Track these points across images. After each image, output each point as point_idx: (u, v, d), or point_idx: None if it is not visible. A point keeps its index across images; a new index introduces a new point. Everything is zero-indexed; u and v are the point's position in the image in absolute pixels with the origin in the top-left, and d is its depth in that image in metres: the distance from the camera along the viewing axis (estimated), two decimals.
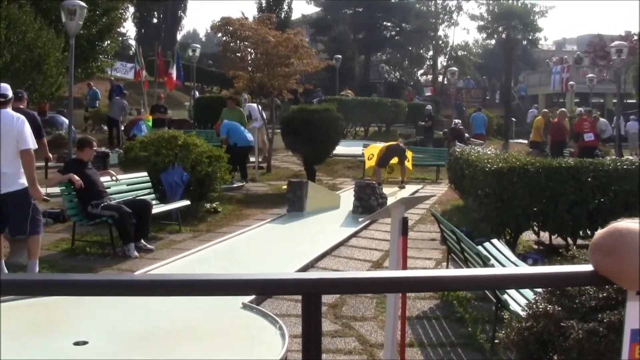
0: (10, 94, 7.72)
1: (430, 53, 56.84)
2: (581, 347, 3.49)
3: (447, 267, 8.61)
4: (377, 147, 19.15)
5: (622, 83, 27.04)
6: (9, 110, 7.47)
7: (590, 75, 34.51)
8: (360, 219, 11.43)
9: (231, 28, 18.53)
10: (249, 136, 17.06)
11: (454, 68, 38.89)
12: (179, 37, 66.14)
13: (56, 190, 10.12)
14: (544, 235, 10.11)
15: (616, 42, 22.03)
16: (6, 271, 7.67)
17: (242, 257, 9.18)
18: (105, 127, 25.76)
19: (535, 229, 9.83)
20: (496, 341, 5.52)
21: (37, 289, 1.39)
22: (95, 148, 9.78)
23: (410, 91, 46.68)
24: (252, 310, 5.21)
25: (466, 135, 25.06)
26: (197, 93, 30.52)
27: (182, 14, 62.11)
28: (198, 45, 29.49)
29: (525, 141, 29.33)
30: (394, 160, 17.62)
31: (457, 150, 13.58)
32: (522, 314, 4.32)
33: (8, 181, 7.23)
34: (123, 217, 9.07)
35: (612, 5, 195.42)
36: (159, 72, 29.29)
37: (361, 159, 19.75)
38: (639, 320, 1.33)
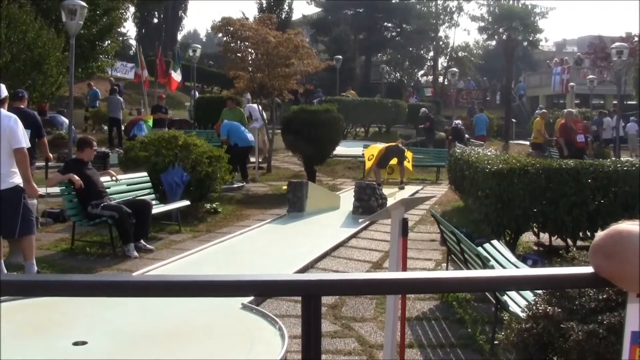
0: (3, 94, 7.73)
1: (431, 54, 56.89)
2: (581, 348, 3.49)
3: (447, 268, 8.60)
4: (377, 148, 19.14)
5: (623, 84, 27.03)
6: (1, 110, 7.47)
7: (590, 76, 34.49)
8: (360, 220, 11.43)
9: (232, 28, 18.55)
10: (250, 136, 17.06)
11: (455, 69, 38.88)
12: (179, 37, 66.23)
13: (56, 190, 10.13)
14: (544, 237, 10.10)
15: (617, 44, 22.04)
16: (5, 271, 7.66)
17: (242, 258, 9.18)
18: (106, 127, 25.79)
19: (535, 230, 9.83)
20: (496, 342, 5.52)
21: (37, 290, 1.39)
22: (95, 148, 9.78)
23: (410, 91, 46.68)
24: (252, 310, 5.20)
25: (466, 136, 25.07)
26: (197, 93, 30.52)
27: (182, 14, 62.07)
28: (198, 46, 29.47)
29: (526, 142, 29.33)
30: (394, 161, 17.62)
31: (457, 151, 13.58)
32: (522, 315, 4.31)
33: (0, 179, 7.23)
34: (123, 217, 9.07)
35: (613, 7, 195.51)
36: (159, 72, 29.27)
37: (361, 160, 19.76)
38: (639, 323, 1.32)
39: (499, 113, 37.09)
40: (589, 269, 1.35)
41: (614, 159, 11.99)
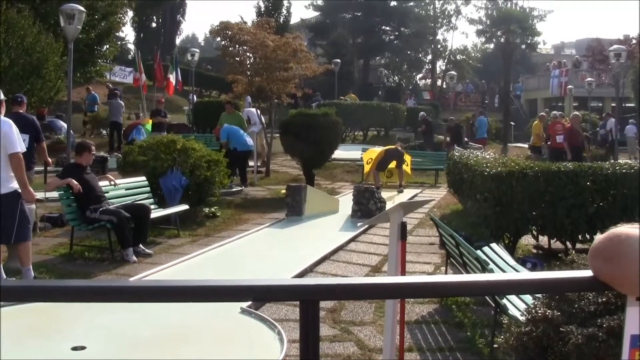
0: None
1: (429, 57, 56.85)
2: (580, 352, 3.48)
3: (446, 271, 8.59)
4: (375, 152, 19.13)
5: (621, 87, 27.03)
6: None
7: (589, 79, 34.51)
8: (358, 224, 11.43)
9: (230, 32, 18.55)
10: (249, 140, 17.06)
11: (453, 72, 38.92)
12: (178, 41, 66.25)
13: (55, 194, 10.13)
14: (543, 240, 10.10)
15: (615, 46, 22.04)
16: (4, 276, 7.64)
17: (240, 262, 9.17)
18: (104, 132, 25.80)
19: (535, 233, 9.82)
20: (495, 346, 5.51)
21: (35, 296, 1.39)
22: (93, 152, 9.75)
23: (407, 94, 46.70)
24: (251, 315, 5.20)
25: (465, 139, 25.08)
26: (195, 97, 30.55)
27: (181, 18, 62.16)
28: (197, 50, 29.52)
29: (525, 145, 29.36)
30: (392, 164, 17.63)
31: (456, 154, 13.58)
32: (522, 318, 4.31)
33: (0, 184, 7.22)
34: (121, 222, 9.06)
35: (611, 9, 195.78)
36: (157, 76, 29.29)
37: (360, 163, 19.75)
38: (639, 326, 1.32)
39: (497, 116, 37.10)
40: (588, 273, 1.35)
41: (612, 161, 11.99)
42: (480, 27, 47.94)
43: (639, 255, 1.26)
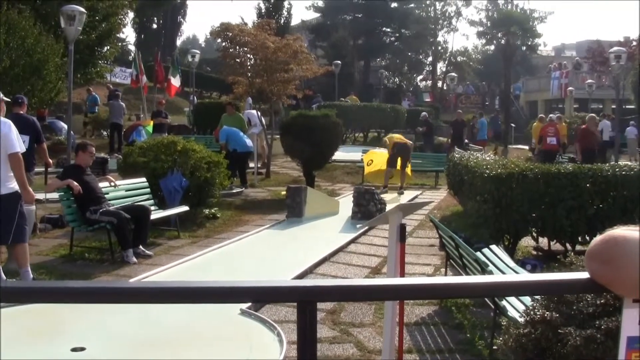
0: None
1: (430, 59, 56.88)
2: (579, 353, 3.49)
3: (445, 273, 8.60)
4: (376, 153, 19.13)
5: (621, 89, 27.02)
6: None
7: (589, 80, 34.53)
8: (358, 226, 11.43)
9: (230, 34, 18.56)
10: (249, 142, 17.07)
11: (454, 74, 38.99)
12: (178, 42, 66.31)
13: (55, 195, 10.14)
14: (543, 241, 10.11)
15: (615, 48, 22.02)
16: (4, 277, 7.65)
17: (240, 263, 9.18)
18: (105, 133, 25.81)
19: (534, 234, 9.82)
20: (494, 347, 5.51)
21: (34, 297, 1.39)
22: (91, 152, 9.68)
23: (408, 96, 46.76)
24: (251, 316, 5.21)
25: (465, 140, 25.07)
26: (196, 99, 30.54)
27: (181, 19, 62.23)
28: (197, 51, 29.50)
29: (525, 147, 29.38)
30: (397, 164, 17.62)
31: (456, 155, 13.59)
32: (520, 320, 4.31)
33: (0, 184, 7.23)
34: (122, 223, 9.07)
35: (611, 11, 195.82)
36: (158, 77, 29.29)
37: (360, 165, 19.75)
38: (635, 328, 1.33)
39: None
40: (585, 275, 1.35)
41: (612, 163, 11.99)
42: (480, 28, 48.04)
43: (635, 258, 1.27)
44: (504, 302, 5.47)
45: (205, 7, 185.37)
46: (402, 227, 4.47)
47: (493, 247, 7.59)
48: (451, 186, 13.89)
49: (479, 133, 26.89)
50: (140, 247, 9.47)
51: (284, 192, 13.86)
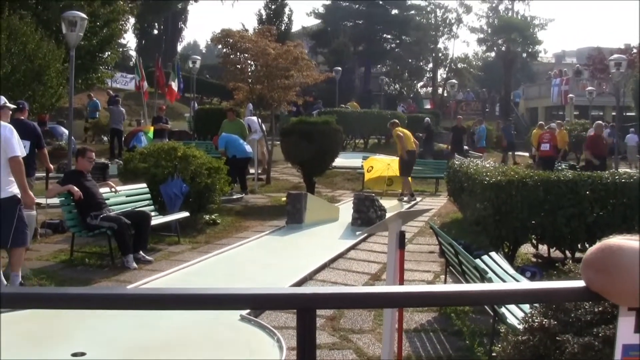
0: (1, 101, 7.77)
1: (430, 65, 56.95)
2: None
3: (445, 280, 8.60)
4: (376, 160, 19.15)
5: (622, 96, 27.06)
6: None
7: (589, 88, 34.56)
8: (357, 233, 11.43)
9: (231, 40, 18.59)
10: (248, 148, 17.09)
11: (454, 80, 39.00)
12: (179, 48, 66.40)
13: (55, 201, 10.15)
14: (543, 248, 10.12)
15: (615, 56, 22.04)
16: (5, 282, 7.66)
17: (240, 269, 9.18)
18: (105, 138, 25.84)
19: (534, 242, 9.83)
20: (493, 354, 5.52)
21: (35, 302, 1.41)
22: (90, 158, 9.69)
23: (409, 103, 46.78)
24: (250, 322, 5.22)
25: (465, 147, 25.09)
26: (196, 104, 30.57)
27: (182, 25, 62.30)
28: (198, 57, 29.55)
29: (526, 154, 29.38)
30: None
31: (456, 162, 13.60)
32: (519, 327, 4.32)
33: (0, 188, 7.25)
34: (122, 229, 9.09)
35: (611, 19, 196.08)
36: (159, 83, 29.34)
37: (360, 171, 19.76)
38: (630, 335, 1.34)
39: (497, 124, 37.11)
40: (582, 283, 1.37)
41: (612, 170, 12.00)
42: (481, 35, 48.17)
43: (630, 267, 1.28)
44: (502, 309, 5.48)
45: (206, 14, 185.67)
46: (402, 234, 4.49)
47: (492, 254, 7.60)
48: (451, 193, 13.90)
49: (479, 141, 26.92)
50: (141, 252, 9.48)
51: (284, 199, 13.87)
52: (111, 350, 4.56)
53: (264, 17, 48.35)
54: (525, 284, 1.61)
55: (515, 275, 7.14)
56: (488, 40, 47.73)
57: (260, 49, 18.01)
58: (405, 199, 16.80)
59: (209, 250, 10.38)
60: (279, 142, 18.37)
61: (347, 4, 55.91)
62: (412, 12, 55.45)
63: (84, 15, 13.04)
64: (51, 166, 11.26)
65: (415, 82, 60.09)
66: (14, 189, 7.38)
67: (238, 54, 18.99)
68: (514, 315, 5.38)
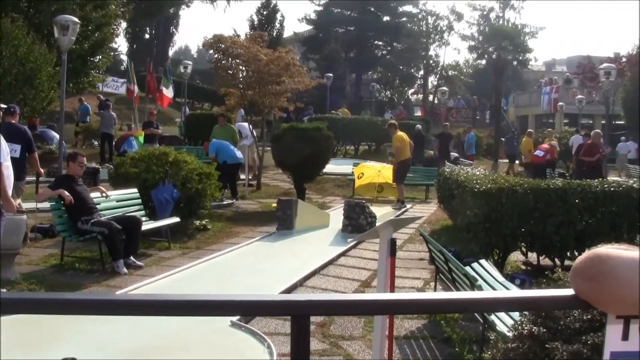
0: None
1: (421, 72, 57.05)
2: None
3: (435, 287, 8.62)
4: (366, 166, 19.17)
5: (611, 104, 27.21)
6: None
7: (579, 96, 34.68)
8: (348, 240, 11.44)
9: (223, 45, 18.63)
10: (238, 153, 17.08)
11: (445, 88, 39.09)
12: (170, 53, 66.32)
13: (46, 205, 10.12)
14: (532, 256, 10.15)
15: (605, 65, 22.21)
16: None
17: (231, 275, 9.18)
18: (96, 143, 25.77)
19: (523, 249, 9.87)
20: None
21: (25, 308, 1.41)
22: (80, 162, 9.67)
23: (400, 110, 46.86)
24: (241, 328, 5.23)
25: (456, 154, 25.14)
26: (187, 109, 30.53)
27: (174, 30, 62.26)
28: (190, 62, 29.57)
29: (516, 162, 29.43)
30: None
31: (447, 170, 13.64)
32: (509, 334, 4.35)
33: None
34: (113, 234, 9.08)
35: (602, 28, 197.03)
36: (150, 88, 29.29)
37: (351, 178, 19.76)
38: (618, 343, 1.36)
39: (489, 132, 37.23)
40: (570, 291, 1.39)
41: (601, 179, 12.05)
42: (472, 43, 48.22)
43: (618, 275, 1.30)
44: (492, 317, 5.51)
45: (198, 19, 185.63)
46: (393, 242, 4.51)
47: (482, 261, 7.63)
48: (441, 200, 13.93)
49: (469, 148, 26.97)
50: (131, 257, 9.47)
51: (274, 205, 13.87)
52: (101, 355, 4.56)
53: (255, 22, 48.44)
54: (514, 291, 1.63)
55: (504, 283, 7.17)
56: (479, 47, 47.78)
57: (251, 55, 18.04)
58: (396, 206, 16.82)
59: (200, 255, 10.37)
60: (269, 148, 18.37)
61: (339, 10, 56.04)
62: (404, 19, 55.60)
63: (77, 20, 13.03)
64: (41, 170, 11.25)
65: (406, 89, 60.25)
66: None
67: (230, 59, 19.02)
68: (504, 322, 5.40)
